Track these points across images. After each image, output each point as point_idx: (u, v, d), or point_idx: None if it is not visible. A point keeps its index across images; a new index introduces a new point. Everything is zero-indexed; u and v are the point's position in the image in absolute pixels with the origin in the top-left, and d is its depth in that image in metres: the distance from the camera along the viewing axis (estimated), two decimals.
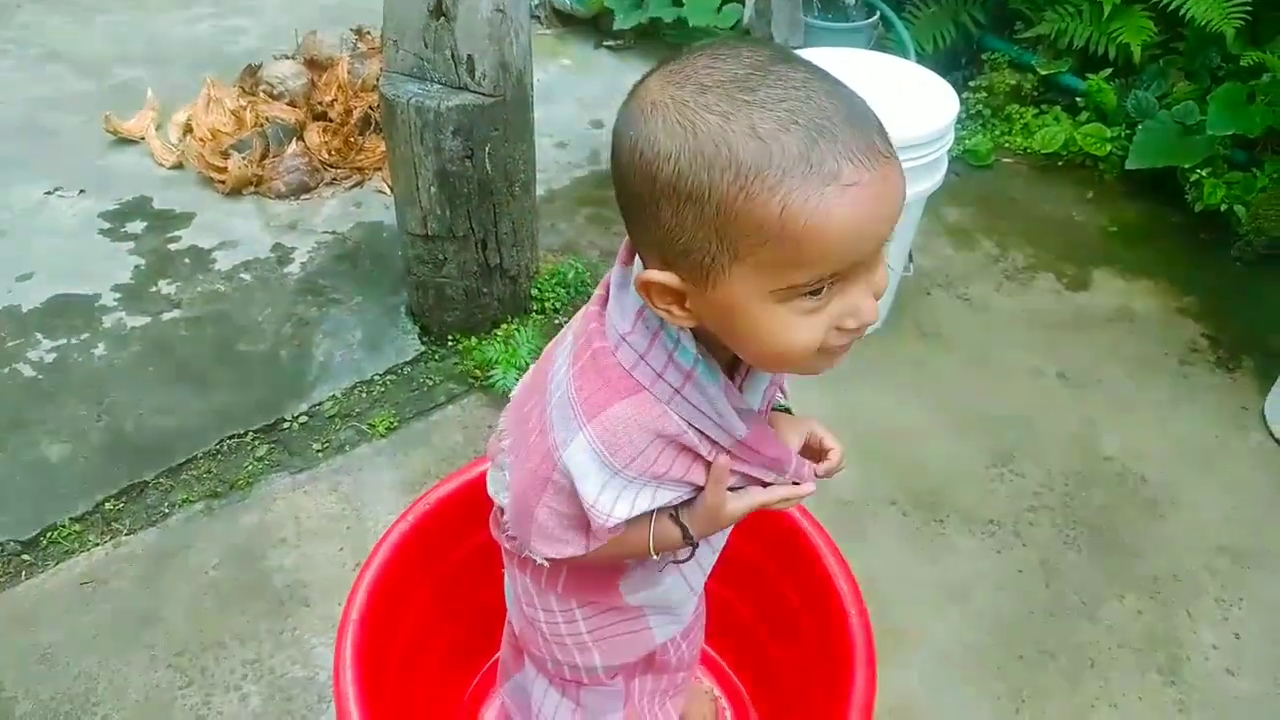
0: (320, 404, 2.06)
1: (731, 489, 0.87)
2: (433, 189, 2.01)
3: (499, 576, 1.16)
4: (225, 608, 1.67)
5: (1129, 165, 2.84)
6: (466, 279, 2.17)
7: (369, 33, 3.51)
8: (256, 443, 1.97)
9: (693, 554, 0.98)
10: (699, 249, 0.67)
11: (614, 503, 0.80)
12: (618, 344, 0.79)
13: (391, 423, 2.02)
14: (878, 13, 3.25)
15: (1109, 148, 2.95)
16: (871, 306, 0.69)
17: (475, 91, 1.94)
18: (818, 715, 1.27)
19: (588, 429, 0.78)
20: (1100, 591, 1.79)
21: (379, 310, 2.33)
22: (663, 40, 3.64)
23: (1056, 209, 2.90)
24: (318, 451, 1.96)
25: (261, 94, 3.00)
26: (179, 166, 2.82)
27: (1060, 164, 3.04)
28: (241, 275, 2.42)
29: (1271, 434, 2.13)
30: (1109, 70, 3.03)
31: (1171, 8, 2.87)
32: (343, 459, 1.95)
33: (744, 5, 3.32)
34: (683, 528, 0.87)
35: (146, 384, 2.08)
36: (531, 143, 2.11)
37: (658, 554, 0.91)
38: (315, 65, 3.18)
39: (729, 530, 1.03)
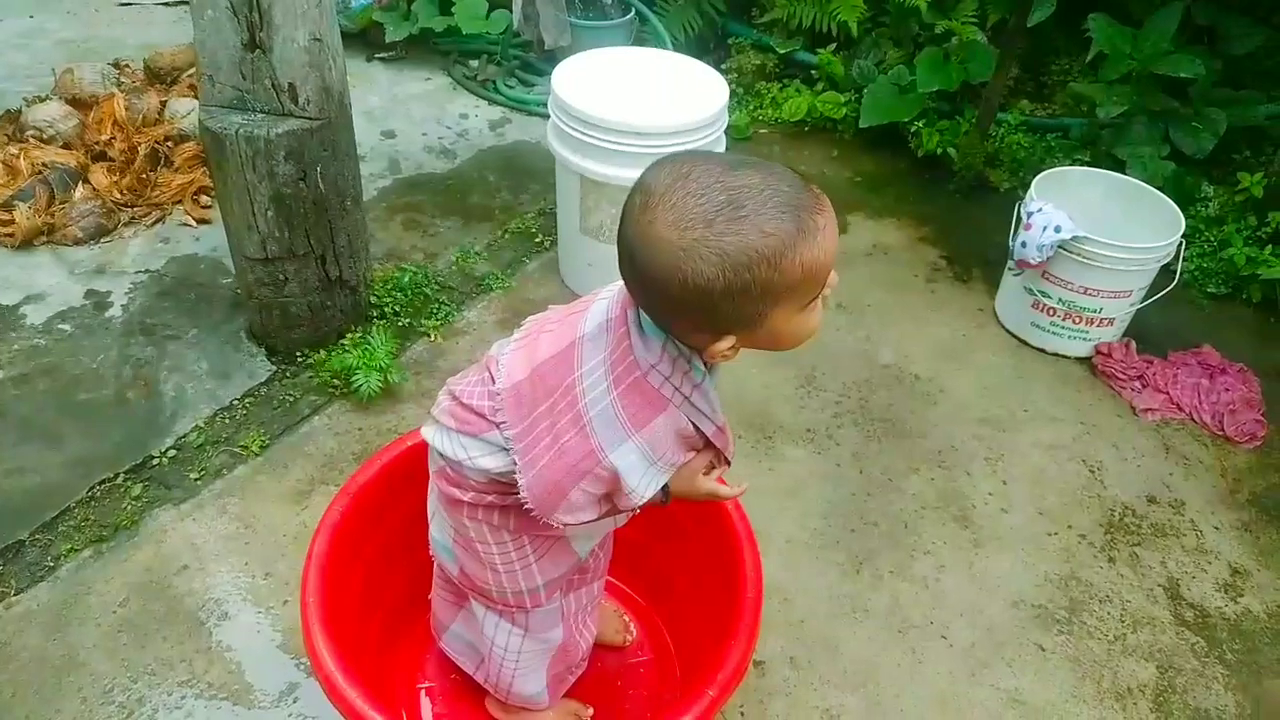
0: (185, 436, 2.10)
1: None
2: (269, 213, 2.09)
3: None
4: (144, 639, 1.72)
5: (862, 124, 3.34)
6: (309, 295, 2.27)
7: (129, 65, 3.42)
8: (129, 483, 1.98)
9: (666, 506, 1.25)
10: (750, 315, 0.96)
11: (647, 487, 1.10)
12: (648, 371, 1.06)
13: (263, 441, 2.10)
14: (633, 9, 3.57)
15: (844, 111, 3.44)
16: (835, 279, 1.01)
17: (301, 116, 2.05)
18: (712, 597, 1.54)
19: (636, 437, 1.07)
20: (901, 469, 2.21)
21: (219, 339, 2.36)
22: (433, 47, 3.78)
23: (810, 168, 3.36)
24: (196, 480, 2.01)
25: (30, 139, 2.86)
26: None
27: (807, 129, 3.51)
28: (60, 326, 2.36)
29: (1003, 326, 2.67)
30: (834, 45, 3.53)
31: None
32: (223, 482, 2.01)
33: (511, 11, 3.54)
34: (666, 491, 1.16)
35: None
36: (355, 158, 2.24)
37: (631, 509, 1.19)
38: (80, 104, 3.07)
39: None
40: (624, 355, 1.07)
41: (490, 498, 1.21)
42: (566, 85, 2.34)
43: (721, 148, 2.47)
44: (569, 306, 1.19)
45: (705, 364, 1.07)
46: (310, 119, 2.06)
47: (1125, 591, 1.97)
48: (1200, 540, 2.10)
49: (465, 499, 1.22)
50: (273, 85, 2.02)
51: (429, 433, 1.24)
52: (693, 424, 1.10)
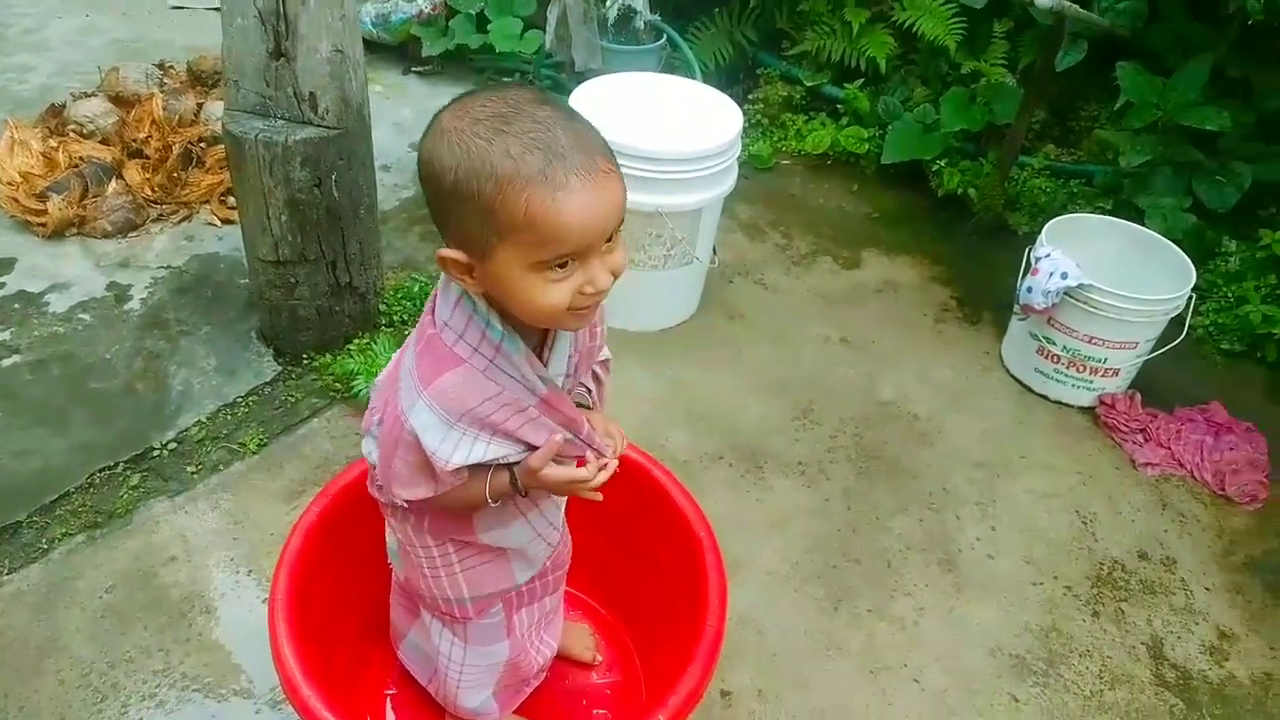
0: (187, 430, 2.15)
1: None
2: (283, 217, 2.15)
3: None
4: (126, 626, 1.76)
5: (884, 160, 3.35)
6: (319, 299, 2.32)
7: (172, 67, 3.53)
8: (128, 473, 2.04)
9: (524, 495, 1.19)
10: (475, 234, 0.94)
11: (452, 450, 1.05)
12: (442, 328, 1.05)
13: (261, 439, 2.15)
14: (665, 35, 3.62)
15: (867, 146, 3.45)
16: (606, 278, 0.97)
17: (319, 125, 2.11)
18: (680, 624, 1.56)
19: (424, 395, 1.04)
20: (890, 508, 2.20)
21: (229, 337, 2.43)
22: (469, 64, 3.86)
23: (829, 201, 3.37)
24: (192, 474, 2.06)
25: (71, 133, 2.97)
26: None
27: (829, 162, 3.52)
28: (80, 315, 2.44)
29: (1008, 371, 2.65)
30: (861, 80, 3.54)
31: (906, 25, 3.42)
32: (218, 478, 2.06)
33: (545, 31, 3.61)
34: (512, 475, 1.13)
35: None
36: (372, 168, 2.30)
37: (494, 499, 1.15)
38: (122, 102, 3.18)
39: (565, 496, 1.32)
40: (427, 314, 1.08)
41: None
42: (583, 107, 2.37)
43: (733, 176, 2.50)
44: None
45: (501, 323, 1.03)
46: (329, 128, 2.12)
47: (1106, 647, 1.94)
48: (1190, 600, 2.06)
49: (379, 498, 1.26)
50: (294, 93, 2.09)
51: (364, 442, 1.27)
52: (505, 388, 1.05)
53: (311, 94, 2.09)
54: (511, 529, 1.28)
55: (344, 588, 1.59)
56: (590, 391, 1.27)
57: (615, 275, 0.99)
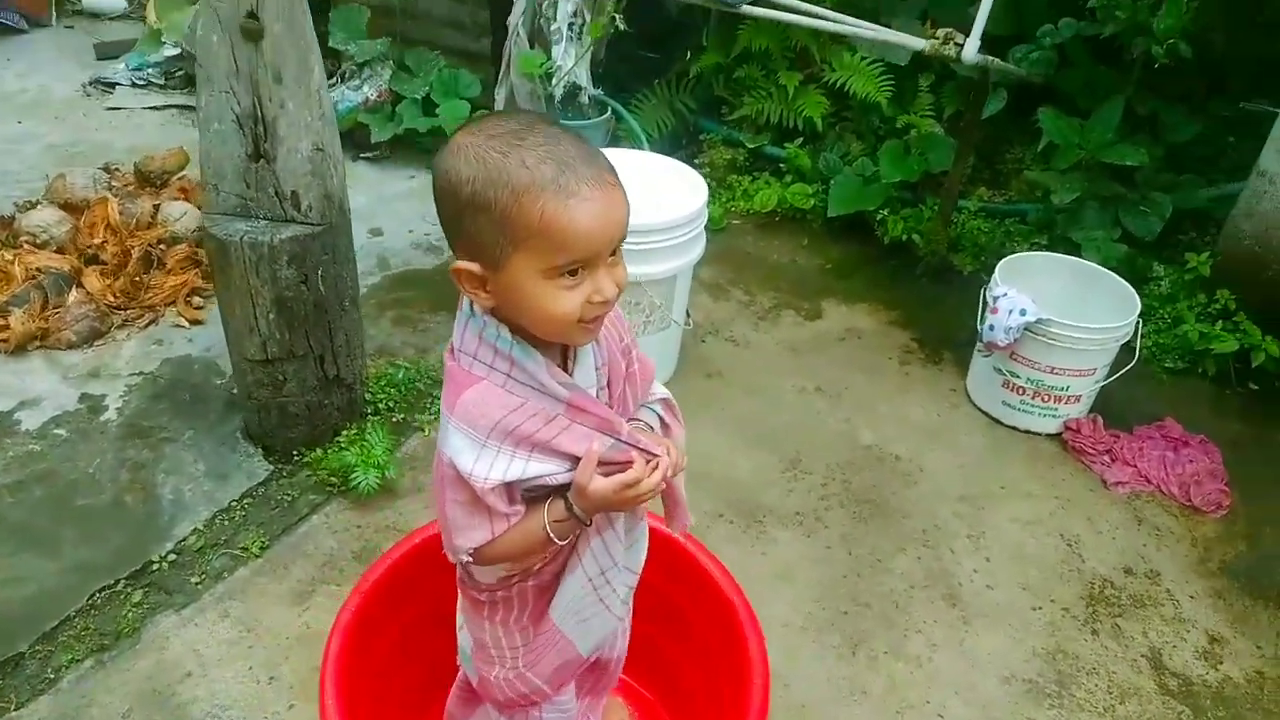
0: (184, 539, 2.11)
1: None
2: (271, 315, 2.16)
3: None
4: None
5: (830, 214, 3.50)
6: (307, 394, 2.32)
7: (118, 169, 3.51)
8: (129, 590, 1.99)
9: (588, 525, 1.14)
10: (490, 244, 0.98)
11: (488, 468, 1.05)
12: (457, 355, 1.09)
13: (263, 542, 2.12)
14: (609, 108, 3.74)
15: (812, 201, 3.60)
16: (612, 288, 1.02)
17: (303, 222, 2.13)
18: (723, 699, 1.57)
19: (451, 419, 1.06)
20: (888, 549, 2.27)
21: (214, 440, 2.40)
22: (417, 147, 3.91)
23: (782, 256, 3.50)
24: (196, 584, 2.02)
25: (24, 245, 2.91)
26: None
27: (777, 219, 3.66)
28: (55, 431, 2.38)
29: (976, 405, 2.77)
30: (800, 139, 3.71)
31: (838, 85, 3.61)
32: (224, 586, 2.03)
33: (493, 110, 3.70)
34: (566, 502, 1.10)
35: None
36: (354, 260, 2.32)
37: (556, 533, 1.11)
38: (71, 208, 3.14)
39: (642, 554, 1.35)
40: (446, 354, 1.12)
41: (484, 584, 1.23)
42: None
43: (702, 243, 2.59)
44: None
45: (510, 334, 1.05)
46: (312, 224, 2.14)
47: (1110, 663, 2.04)
48: (1178, 609, 2.18)
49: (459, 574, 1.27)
50: (276, 193, 2.11)
51: None
52: (532, 400, 1.06)
53: (294, 193, 2.12)
54: (582, 606, 1.26)
55: (386, 681, 1.58)
56: (654, 429, 1.26)
57: (619, 288, 1.04)
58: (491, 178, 0.96)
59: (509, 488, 1.09)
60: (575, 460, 1.10)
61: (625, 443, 1.13)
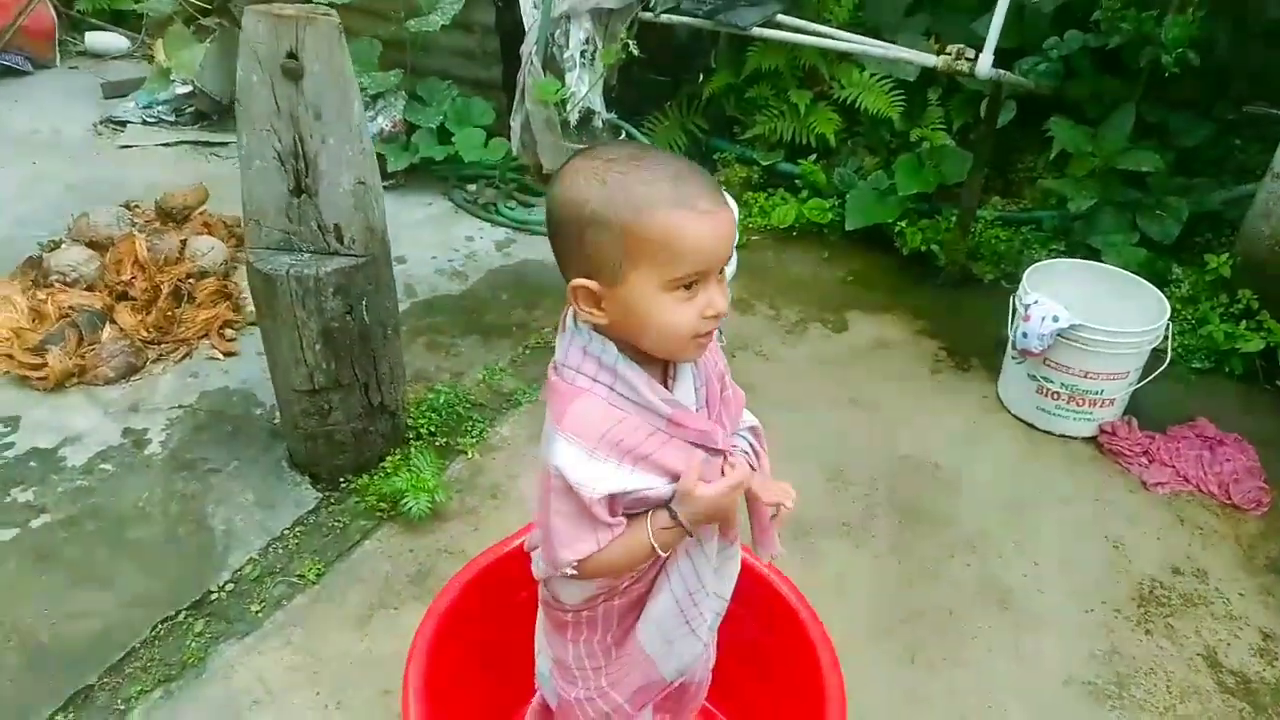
0: (240, 569, 2.11)
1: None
2: (317, 346, 2.17)
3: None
4: None
5: (848, 227, 3.54)
6: (353, 422, 2.33)
7: (139, 206, 3.52)
8: (191, 620, 1.99)
9: (690, 535, 1.17)
10: (608, 260, 1.03)
11: (596, 478, 1.07)
12: (561, 369, 1.12)
13: (319, 569, 2.12)
14: (623, 131, 3.78)
15: (830, 215, 3.65)
16: (723, 302, 1.06)
17: (347, 254, 2.15)
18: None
19: (560, 433, 1.08)
20: (938, 556, 2.29)
21: (261, 469, 2.40)
22: (433, 174, 3.95)
23: (804, 270, 3.53)
24: (257, 612, 2.02)
25: (55, 284, 2.92)
26: None
27: (795, 234, 3.70)
28: (101, 466, 2.38)
29: (1009, 411, 2.80)
30: (814, 155, 3.76)
31: (849, 102, 3.66)
32: (284, 613, 2.03)
33: (509, 139, 3.74)
34: (671, 512, 1.13)
35: (45, 594, 2.02)
36: (395, 289, 2.34)
37: (659, 542, 1.13)
38: (96, 246, 3.15)
39: (731, 582, 1.37)
40: (550, 371, 1.14)
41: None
42: None
43: (734, 261, 2.61)
44: None
45: (616, 348, 1.08)
46: (356, 256, 2.17)
47: (1167, 663, 2.05)
48: (1229, 607, 2.20)
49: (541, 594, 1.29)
50: (318, 226, 2.14)
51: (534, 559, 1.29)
52: (633, 414, 1.09)
53: (336, 225, 2.14)
54: (669, 623, 1.27)
55: (465, 704, 1.58)
56: (753, 454, 1.29)
57: (725, 302, 1.07)
58: (613, 195, 1.01)
59: (612, 500, 1.11)
60: (674, 475, 1.13)
61: (722, 451, 1.16)
